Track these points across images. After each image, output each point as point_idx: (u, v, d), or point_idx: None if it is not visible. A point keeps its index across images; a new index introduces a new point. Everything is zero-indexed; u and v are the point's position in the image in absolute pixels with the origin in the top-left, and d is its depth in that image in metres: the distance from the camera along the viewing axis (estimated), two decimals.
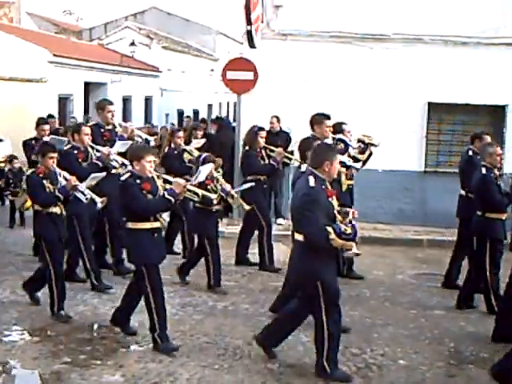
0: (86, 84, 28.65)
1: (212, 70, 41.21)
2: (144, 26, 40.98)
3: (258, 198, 9.43)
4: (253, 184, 9.05)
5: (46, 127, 10.29)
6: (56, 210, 7.27)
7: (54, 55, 24.79)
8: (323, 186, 5.80)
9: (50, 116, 15.24)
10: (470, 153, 8.93)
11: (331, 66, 12.83)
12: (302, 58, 12.85)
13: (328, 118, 8.34)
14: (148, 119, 34.42)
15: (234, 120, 15.99)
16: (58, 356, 6.28)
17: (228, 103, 43.66)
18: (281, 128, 12.49)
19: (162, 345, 6.39)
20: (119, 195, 6.47)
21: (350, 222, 5.81)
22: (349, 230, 5.65)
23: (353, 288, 8.88)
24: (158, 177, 6.63)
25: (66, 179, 7.28)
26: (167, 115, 34.62)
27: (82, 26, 46.48)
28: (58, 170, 7.36)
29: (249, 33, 11.71)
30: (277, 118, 12.53)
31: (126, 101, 33.02)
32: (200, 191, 7.63)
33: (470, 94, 12.64)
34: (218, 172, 8.67)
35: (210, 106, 42.58)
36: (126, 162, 8.22)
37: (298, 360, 6.33)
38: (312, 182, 5.75)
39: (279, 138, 11.74)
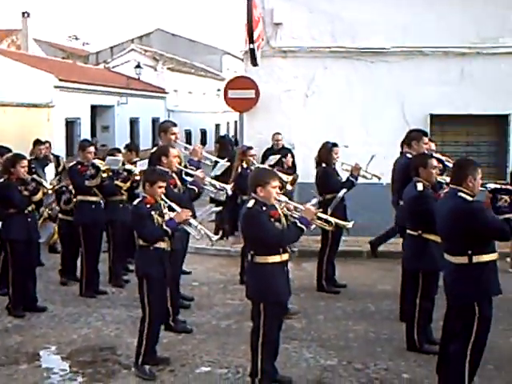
0: (93, 107, 28.93)
1: (219, 90, 41.44)
2: (149, 48, 41.36)
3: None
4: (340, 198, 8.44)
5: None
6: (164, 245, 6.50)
7: (60, 80, 25.08)
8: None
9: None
10: None
11: (331, 81, 12.87)
12: (303, 74, 12.91)
13: (426, 134, 8.47)
14: (156, 140, 34.56)
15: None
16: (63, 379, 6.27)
17: (236, 122, 43.85)
18: (283, 145, 12.49)
19: None
20: (244, 225, 5.85)
21: None
22: None
23: (357, 303, 8.83)
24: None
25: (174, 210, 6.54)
26: None
27: (89, 50, 46.99)
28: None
29: (252, 51, 11.71)
30: (280, 134, 12.54)
31: (134, 122, 33.26)
32: (333, 219, 6.41)
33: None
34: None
35: (217, 126, 42.76)
36: (225, 185, 8.02)
37: (299, 377, 6.28)
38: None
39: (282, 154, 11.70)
